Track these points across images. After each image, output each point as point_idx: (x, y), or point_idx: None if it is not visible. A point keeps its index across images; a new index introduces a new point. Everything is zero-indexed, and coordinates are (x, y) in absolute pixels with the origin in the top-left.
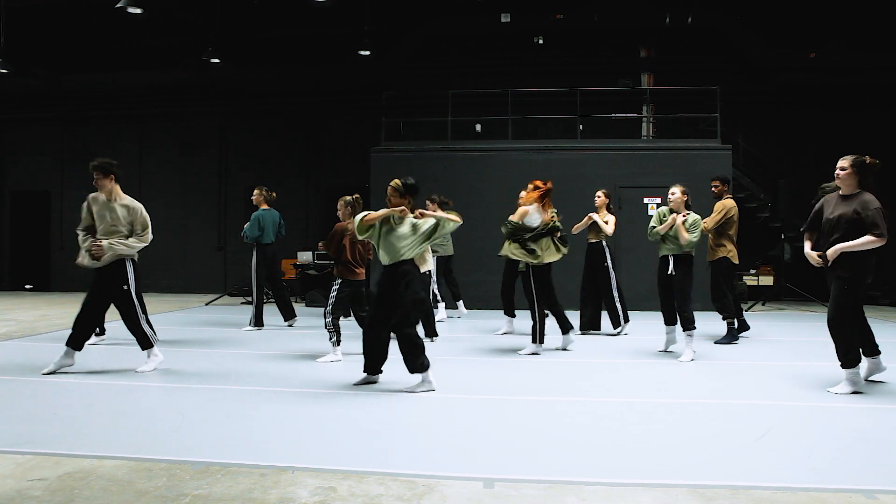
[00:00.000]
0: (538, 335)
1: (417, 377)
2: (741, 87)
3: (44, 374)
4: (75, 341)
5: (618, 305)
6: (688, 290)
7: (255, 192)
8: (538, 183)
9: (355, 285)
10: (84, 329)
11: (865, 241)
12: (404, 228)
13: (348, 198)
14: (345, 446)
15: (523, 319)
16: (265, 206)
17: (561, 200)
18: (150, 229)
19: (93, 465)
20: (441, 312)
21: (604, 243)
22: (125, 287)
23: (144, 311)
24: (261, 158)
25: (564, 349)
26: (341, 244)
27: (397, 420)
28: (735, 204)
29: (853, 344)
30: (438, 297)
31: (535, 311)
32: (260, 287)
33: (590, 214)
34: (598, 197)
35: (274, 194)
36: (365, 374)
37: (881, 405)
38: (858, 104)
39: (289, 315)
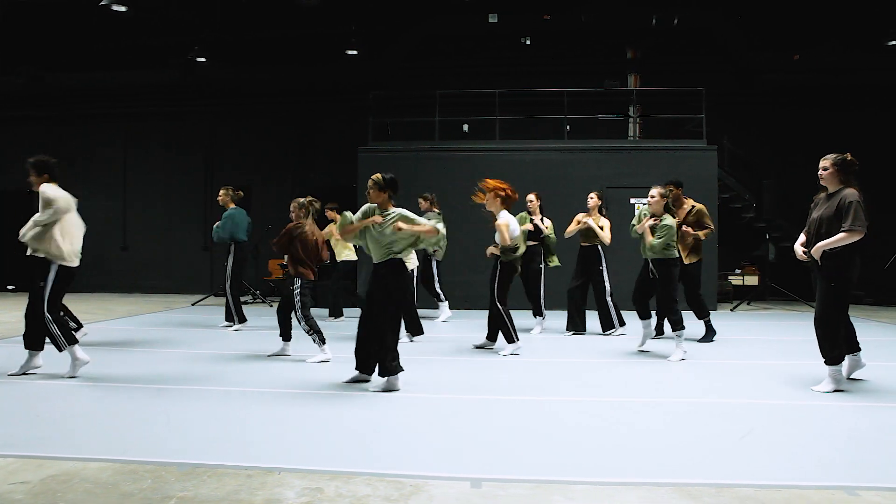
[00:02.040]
0: (511, 334)
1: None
2: (728, 87)
3: (9, 375)
4: (30, 341)
5: (611, 309)
6: (669, 294)
7: (221, 192)
8: (498, 190)
9: (311, 283)
10: (33, 326)
11: (840, 238)
12: (388, 228)
13: (301, 199)
14: (332, 447)
15: (521, 318)
16: (233, 206)
17: (548, 200)
18: (51, 207)
19: (76, 468)
20: (445, 311)
21: (599, 247)
22: (41, 283)
23: (55, 312)
24: (247, 158)
25: (481, 347)
26: (293, 244)
27: (384, 420)
28: (688, 207)
29: (838, 342)
30: (441, 296)
31: (500, 309)
32: (236, 284)
33: (583, 220)
34: (591, 199)
35: (241, 193)
36: (357, 372)
37: (864, 403)
38: (846, 105)
39: (232, 319)
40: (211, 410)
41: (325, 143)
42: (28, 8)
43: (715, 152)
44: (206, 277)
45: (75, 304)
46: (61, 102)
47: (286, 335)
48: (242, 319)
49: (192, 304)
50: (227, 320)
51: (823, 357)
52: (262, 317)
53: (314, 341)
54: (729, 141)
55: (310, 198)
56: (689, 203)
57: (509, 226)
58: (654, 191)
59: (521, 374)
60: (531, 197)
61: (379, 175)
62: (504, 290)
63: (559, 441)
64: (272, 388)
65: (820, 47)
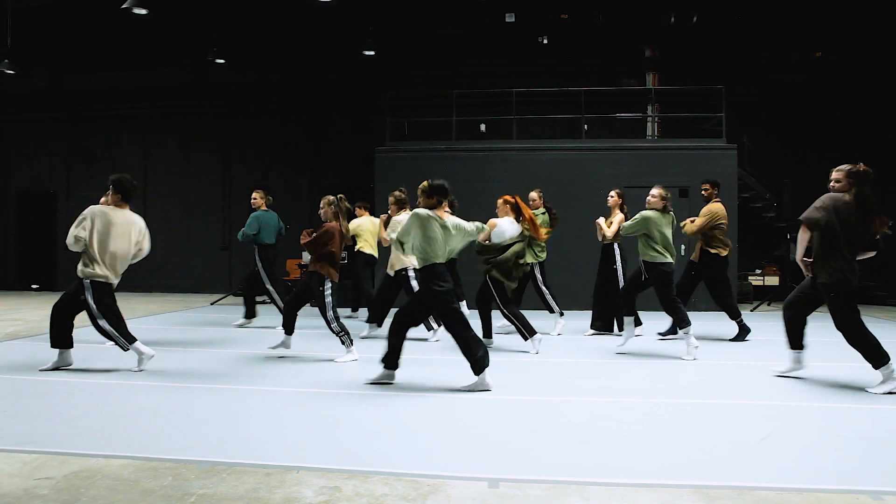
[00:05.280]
0: (526, 330)
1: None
2: (744, 87)
3: (41, 371)
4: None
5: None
6: (666, 295)
7: (256, 194)
8: (507, 198)
9: (337, 284)
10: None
11: (799, 238)
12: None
13: (331, 197)
14: (349, 446)
15: (541, 319)
16: (264, 209)
17: (565, 200)
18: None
19: (99, 465)
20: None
21: (614, 245)
22: (82, 298)
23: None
24: (264, 158)
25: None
26: (330, 246)
27: (401, 420)
28: (722, 207)
29: (874, 343)
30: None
31: (508, 312)
32: (255, 283)
33: (597, 221)
34: (611, 197)
35: (272, 198)
36: (385, 371)
37: (888, 406)
38: (860, 104)
39: (249, 315)
40: (230, 408)
41: (333, 143)
42: (45, 11)
43: (735, 151)
44: (224, 277)
45: None
46: (79, 103)
47: (290, 328)
48: (251, 316)
49: (211, 304)
50: (246, 317)
51: (871, 363)
52: (272, 315)
53: (343, 342)
54: (749, 140)
55: (340, 195)
56: (708, 208)
57: (497, 225)
58: (655, 190)
59: (535, 374)
60: (534, 195)
61: (426, 183)
62: (504, 296)
63: (575, 441)
64: (290, 387)
65: (835, 47)
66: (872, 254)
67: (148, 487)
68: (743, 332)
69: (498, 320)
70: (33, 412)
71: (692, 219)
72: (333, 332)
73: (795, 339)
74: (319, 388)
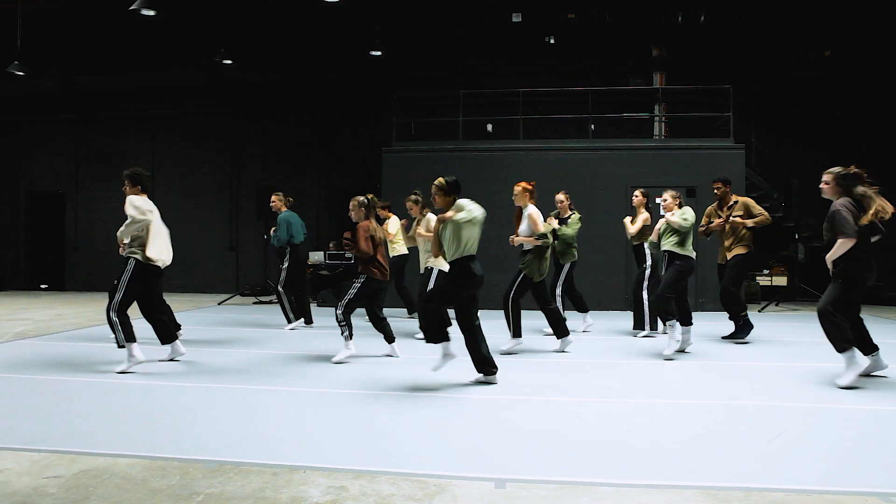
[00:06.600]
0: (514, 329)
1: (438, 348)
2: (753, 86)
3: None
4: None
5: (645, 311)
6: (669, 282)
7: (274, 197)
8: (525, 184)
9: (378, 283)
10: (156, 322)
11: (838, 246)
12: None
13: (361, 198)
14: (356, 446)
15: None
16: (285, 210)
17: (573, 200)
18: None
19: (107, 464)
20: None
21: (645, 246)
22: (115, 282)
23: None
24: (272, 159)
25: (562, 351)
26: (369, 244)
27: (408, 420)
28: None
29: (844, 329)
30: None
31: (509, 307)
32: (292, 284)
33: (625, 221)
34: (636, 196)
35: (291, 199)
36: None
37: (893, 407)
38: (870, 103)
39: (308, 319)
40: (237, 408)
41: (341, 143)
42: (57, 13)
43: (742, 151)
44: (231, 277)
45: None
46: (89, 104)
47: (389, 337)
48: (308, 320)
49: (219, 304)
50: (298, 320)
51: (835, 346)
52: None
53: (342, 334)
54: (757, 139)
55: (371, 195)
56: (733, 199)
57: (539, 216)
58: (667, 195)
59: (543, 375)
60: (561, 196)
61: (442, 180)
62: (519, 292)
63: (583, 442)
64: (297, 386)
65: (846, 45)
66: (878, 237)
67: (155, 486)
68: (741, 331)
69: (501, 319)
70: (42, 411)
71: (737, 216)
72: (337, 320)
73: (867, 345)
74: (326, 388)
